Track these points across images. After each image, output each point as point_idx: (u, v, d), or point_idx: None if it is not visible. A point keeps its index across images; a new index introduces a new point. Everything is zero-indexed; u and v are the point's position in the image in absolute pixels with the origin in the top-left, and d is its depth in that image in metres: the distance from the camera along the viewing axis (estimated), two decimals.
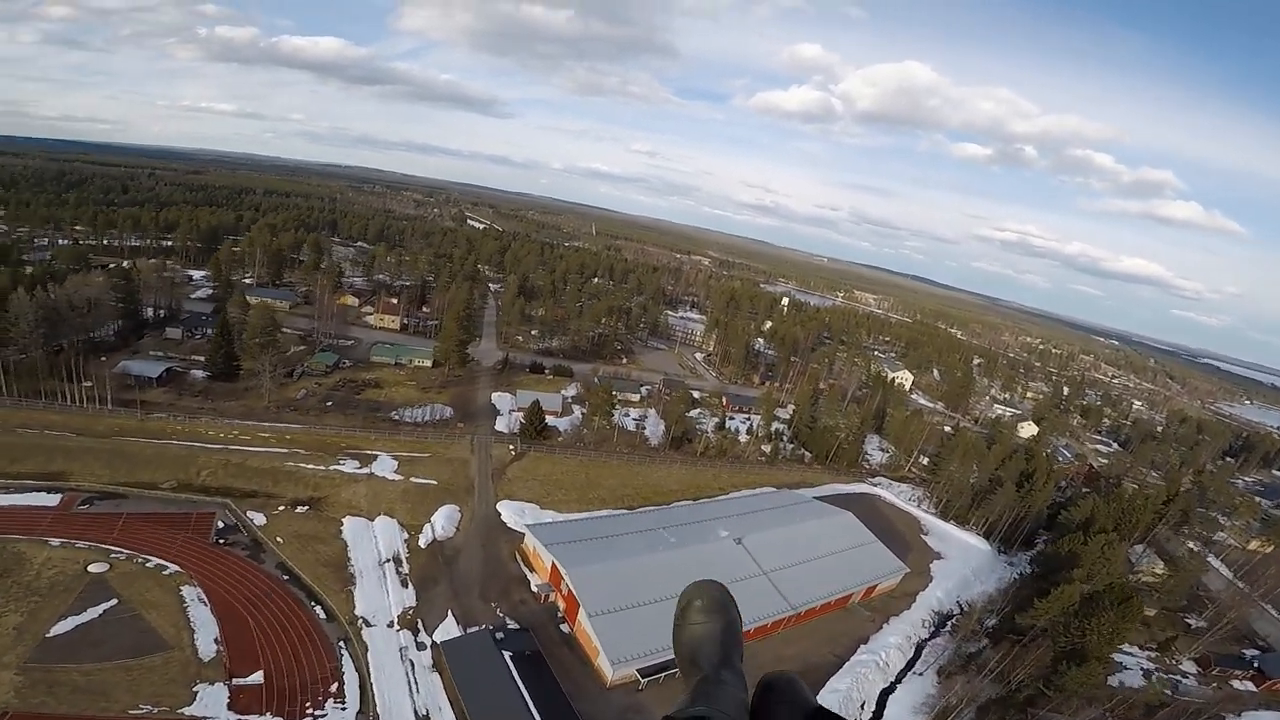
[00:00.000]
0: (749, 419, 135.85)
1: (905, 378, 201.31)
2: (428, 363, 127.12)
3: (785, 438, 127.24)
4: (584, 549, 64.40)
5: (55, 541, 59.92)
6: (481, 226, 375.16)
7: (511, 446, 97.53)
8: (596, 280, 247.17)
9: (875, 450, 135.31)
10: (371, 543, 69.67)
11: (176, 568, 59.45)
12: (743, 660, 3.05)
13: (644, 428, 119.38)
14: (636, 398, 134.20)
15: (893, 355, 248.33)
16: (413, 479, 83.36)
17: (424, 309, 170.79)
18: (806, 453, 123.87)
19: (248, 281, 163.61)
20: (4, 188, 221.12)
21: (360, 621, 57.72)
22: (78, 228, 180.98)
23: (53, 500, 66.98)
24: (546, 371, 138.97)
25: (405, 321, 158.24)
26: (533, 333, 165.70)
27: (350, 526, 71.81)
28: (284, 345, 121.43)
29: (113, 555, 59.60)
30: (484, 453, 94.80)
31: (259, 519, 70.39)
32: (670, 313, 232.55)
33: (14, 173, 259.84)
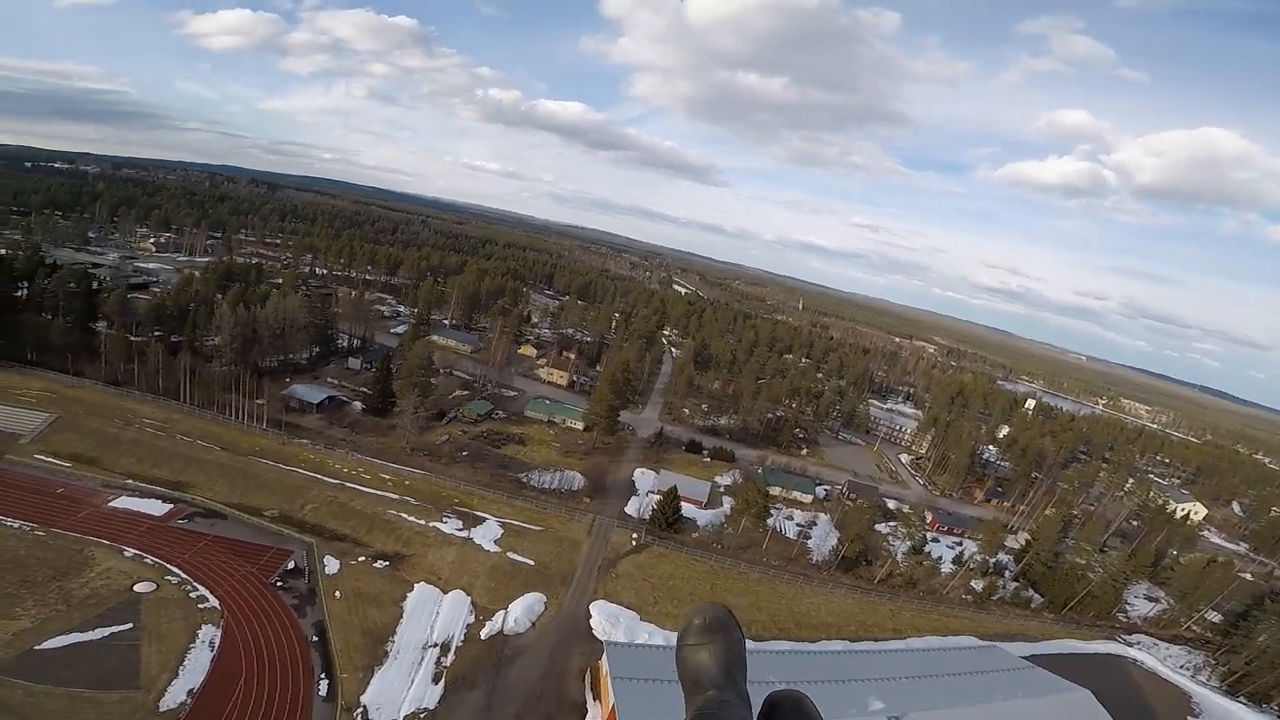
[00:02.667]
0: (960, 544, 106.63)
1: (1196, 511, 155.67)
2: (579, 425, 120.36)
3: (1008, 574, 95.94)
4: (659, 694, 46.87)
5: (129, 552, 60.13)
6: (684, 291, 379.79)
7: (634, 535, 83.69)
8: (789, 356, 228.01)
9: (1140, 599, 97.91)
10: (430, 619, 60.29)
11: (215, 603, 55.88)
12: (746, 680, 3.01)
13: (808, 537, 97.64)
14: (808, 499, 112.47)
15: (1175, 482, 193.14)
16: (510, 554, 73.51)
17: (597, 367, 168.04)
18: (1036, 595, 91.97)
19: (447, 322, 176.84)
20: (307, 222, 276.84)
21: (360, 712, 47.46)
22: (325, 259, 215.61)
23: (160, 510, 69.05)
24: (705, 452, 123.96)
25: (574, 378, 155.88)
26: (702, 407, 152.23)
27: (417, 595, 63.51)
28: (446, 388, 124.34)
29: (168, 577, 58.08)
30: (601, 537, 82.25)
31: (333, 566, 65.52)
32: (876, 403, 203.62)
33: (322, 212, 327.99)
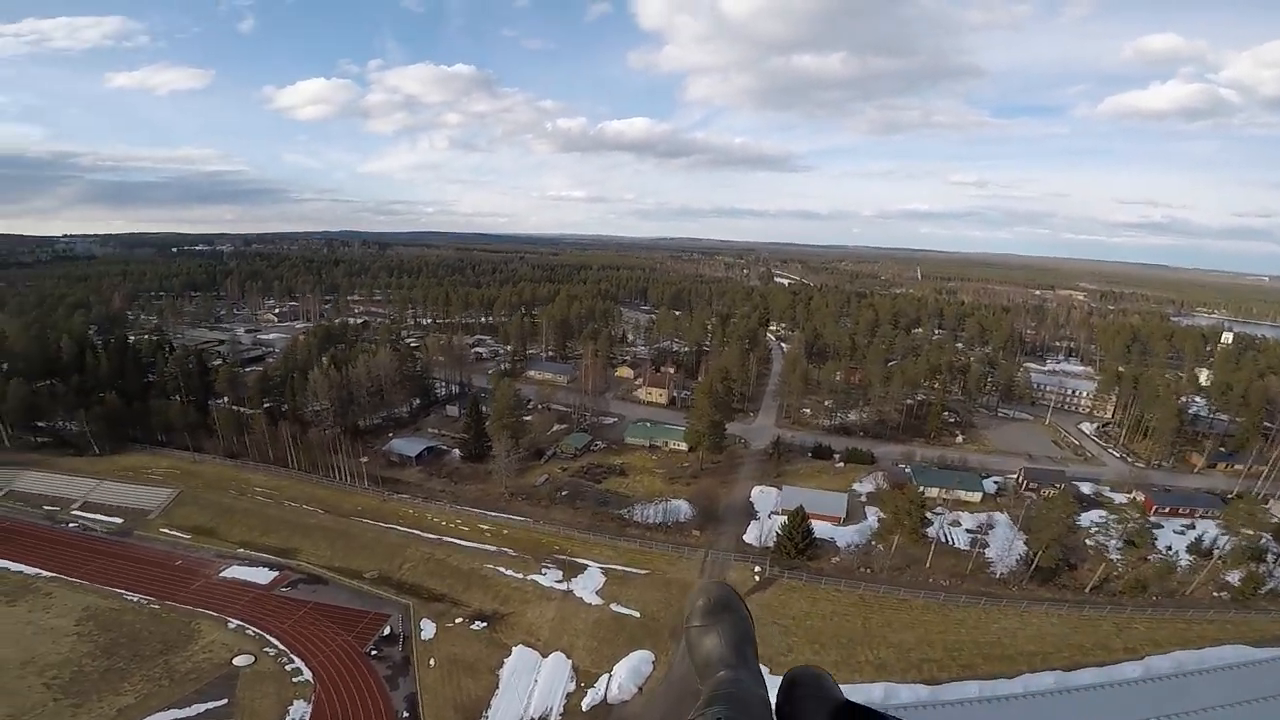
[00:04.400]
0: (1192, 527, 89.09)
1: None
2: (682, 446, 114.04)
3: (1274, 557, 77.77)
4: None
5: (233, 624, 61.97)
6: (788, 283, 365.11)
7: (757, 568, 75.99)
8: (918, 331, 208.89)
9: None
10: (527, 688, 56.54)
11: (308, 676, 55.98)
12: (757, 657, 3.05)
13: (985, 545, 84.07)
14: (975, 496, 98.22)
15: None
16: (613, 605, 68.62)
17: (698, 378, 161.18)
18: None
19: (543, 355, 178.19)
20: (412, 275, 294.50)
21: None
22: (426, 309, 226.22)
23: (266, 578, 71.19)
24: (836, 456, 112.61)
25: (675, 394, 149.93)
26: (824, 404, 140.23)
27: (515, 661, 60.08)
28: (542, 424, 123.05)
29: (266, 649, 59.06)
30: (716, 575, 75.33)
31: (429, 630, 63.90)
32: (1034, 366, 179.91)
33: (426, 263, 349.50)
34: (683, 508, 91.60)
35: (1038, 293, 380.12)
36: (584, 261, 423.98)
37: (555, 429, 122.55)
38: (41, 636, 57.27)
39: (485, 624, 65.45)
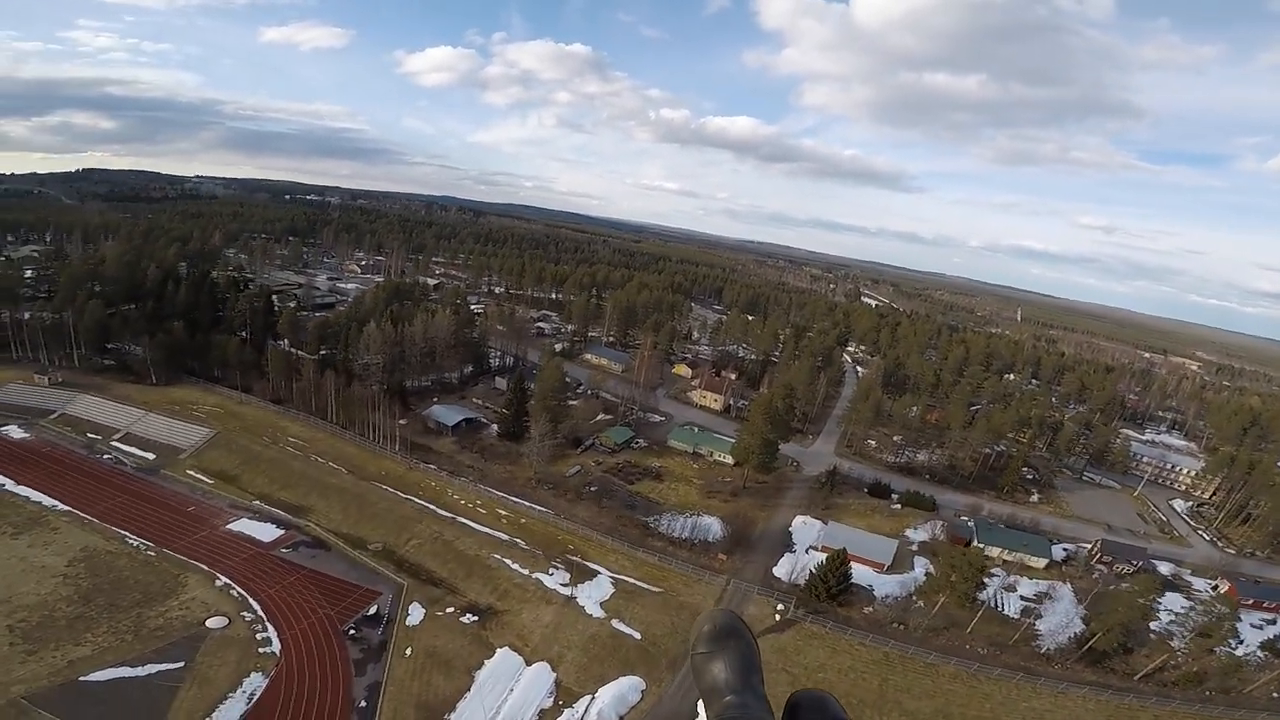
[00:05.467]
0: (1274, 624, 78.04)
1: None
2: (728, 459, 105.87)
3: None
4: None
5: (220, 581, 59.75)
6: (874, 304, 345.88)
7: (779, 607, 67.68)
8: (1011, 377, 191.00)
9: None
10: (500, 696, 51.60)
11: (277, 649, 52.43)
12: (763, 683, 3.01)
13: (1037, 615, 73.38)
14: (1040, 562, 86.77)
15: None
16: (615, 621, 62.20)
17: (760, 389, 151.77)
18: None
19: (606, 341, 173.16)
20: (498, 245, 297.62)
21: None
22: (502, 278, 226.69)
23: (270, 535, 68.94)
24: (893, 497, 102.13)
25: (731, 402, 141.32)
26: (893, 439, 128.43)
27: (497, 663, 55.10)
28: (587, 411, 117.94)
29: (244, 613, 56.30)
30: (733, 607, 67.23)
31: (416, 615, 59.91)
32: (1132, 434, 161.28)
33: (514, 235, 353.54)
34: (714, 526, 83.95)
35: (1147, 355, 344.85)
36: (664, 253, 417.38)
37: (599, 419, 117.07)
38: (29, 575, 56.33)
39: (476, 618, 60.56)
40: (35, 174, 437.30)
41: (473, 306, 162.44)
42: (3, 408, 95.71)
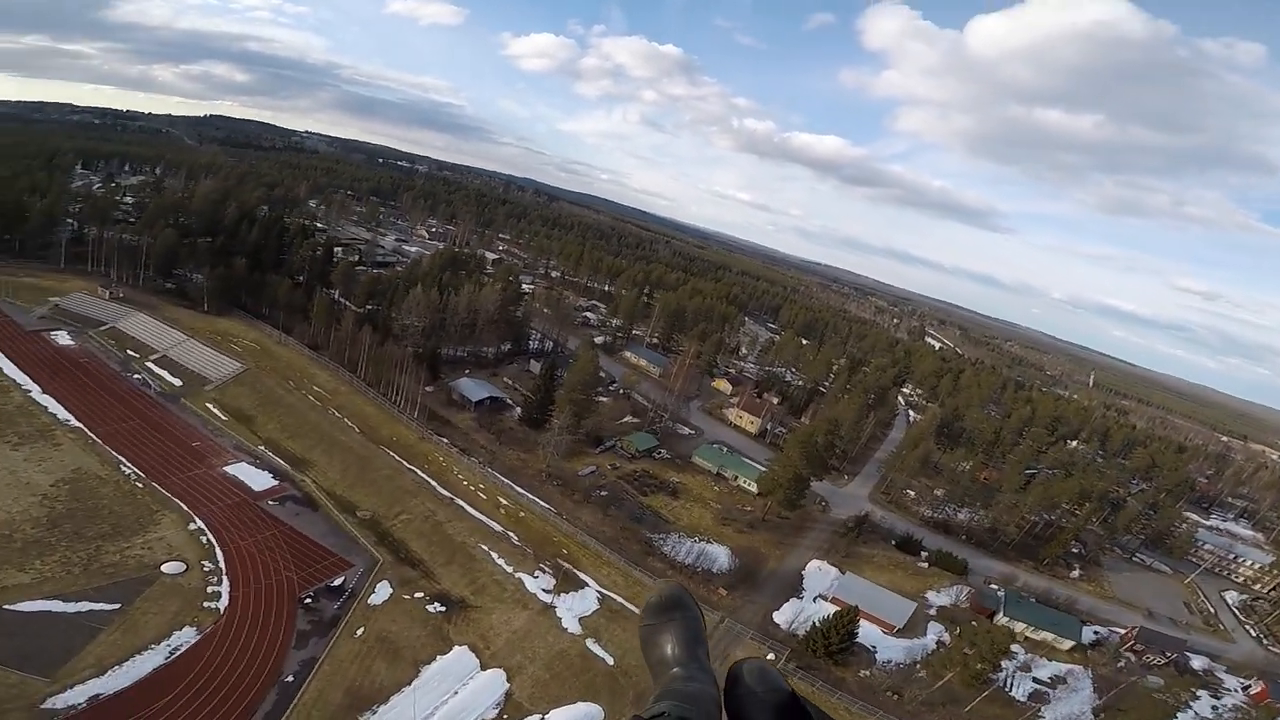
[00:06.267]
0: None
1: None
2: (752, 487, 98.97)
3: None
4: None
5: (195, 525, 57.61)
6: (938, 346, 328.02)
7: (770, 656, 61.02)
8: (1076, 445, 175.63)
9: None
10: (440, 698, 47.39)
11: (224, 605, 49.46)
12: (709, 656, 3.08)
13: (1046, 700, 64.56)
14: (1065, 644, 77.15)
15: None
16: (590, 641, 57.00)
17: (801, 419, 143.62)
18: None
19: (649, 342, 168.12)
20: (564, 230, 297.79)
21: None
22: (560, 263, 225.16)
23: (262, 485, 67.05)
24: (923, 555, 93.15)
25: (767, 427, 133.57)
26: (936, 492, 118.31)
27: (449, 661, 50.94)
28: (614, 411, 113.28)
29: (205, 562, 53.78)
30: (721, 648, 61.13)
31: (381, 595, 56.37)
32: (1196, 518, 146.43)
33: (580, 223, 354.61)
34: (722, 557, 77.65)
35: (1224, 439, 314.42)
36: (725, 262, 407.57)
37: (625, 420, 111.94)
38: (10, 490, 55.35)
39: (444, 609, 56.47)
40: (170, 115, 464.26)
41: (524, 285, 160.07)
42: (63, 314, 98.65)
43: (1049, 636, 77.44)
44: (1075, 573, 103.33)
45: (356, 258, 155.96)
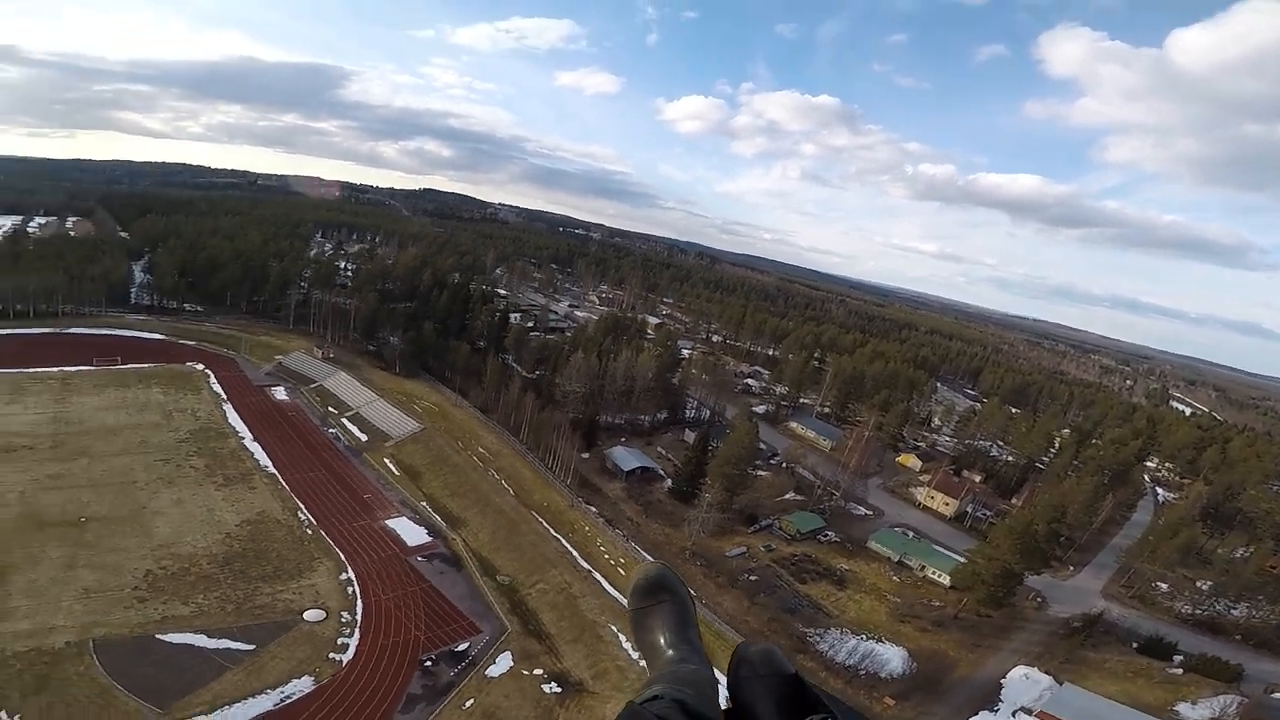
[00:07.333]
0: None
1: None
2: (944, 578, 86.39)
3: None
4: None
5: (345, 576, 62.07)
6: (1189, 411, 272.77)
7: None
8: None
9: None
10: None
11: (346, 659, 51.14)
12: (700, 636, 3.13)
13: None
14: None
15: None
16: None
17: (1012, 500, 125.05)
18: None
19: (818, 412, 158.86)
20: (726, 292, 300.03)
21: None
22: (721, 326, 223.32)
23: (416, 540, 71.23)
24: (1174, 658, 74.03)
25: (968, 510, 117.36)
26: (1200, 585, 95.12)
27: None
28: (773, 487, 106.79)
29: (344, 614, 57.01)
30: None
31: (501, 667, 55.73)
32: None
33: (744, 284, 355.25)
34: (894, 659, 67.41)
35: None
36: (911, 320, 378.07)
37: (787, 497, 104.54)
38: (203, 526, 63.83)
39: (559, 690, 54.22)
40: (391, 189, 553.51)
41: (682, 351, 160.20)
42: (284, 370, 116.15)
43: None
44: None
45: (531, 324, 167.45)
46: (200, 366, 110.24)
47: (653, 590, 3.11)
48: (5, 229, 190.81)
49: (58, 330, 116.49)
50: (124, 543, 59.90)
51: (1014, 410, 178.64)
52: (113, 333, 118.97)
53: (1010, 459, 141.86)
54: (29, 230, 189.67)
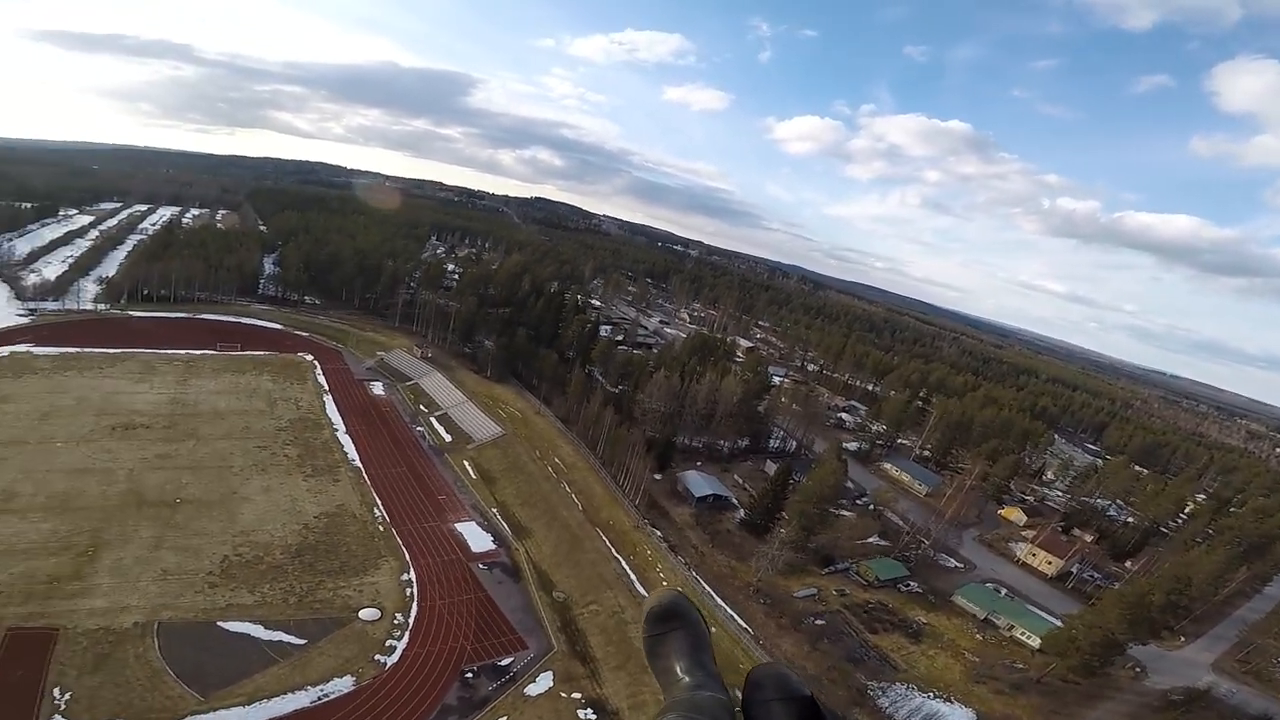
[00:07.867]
0: None
1: None
2: (1033, 640, 79.22)
3: None
4: None
5: (406, 576, 64.08)
6: None
7: None
8: None
9: None
10: None
11: (391, 662, 52.79)
12: (715, 661, 3.16)
13: None
14: None
15: None
16: None
17: (1126, 563, 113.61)
18: None
19: (916, 455, 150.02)
20: (828, 320, 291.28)
21: None
22: (819, 355, 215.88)
23: (481, 547, 73.31)
24: None
25: (1073, 570, 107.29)
26: None
27: None
28: (857, 529, 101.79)
29: (397, 615, 58.38)
30: None
31: (541, 685, 56.18)
32: None
33: (848, 313, 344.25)
34: None
35: None
36: (1031, 366, 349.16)
37: (869, 540, 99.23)
38: (284, 516, 67.84)
39: (595, 718, 53.62)
40: (506, 196, 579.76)
41: (773, 378, 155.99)
42: (384, 367, 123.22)
43: None
44: None
45: (620, 337, 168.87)
46: (309, 357, 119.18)
47: (666, 617, 3.14)
48: (165, 219, 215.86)
49: (191, 315, 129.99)
50: (210, 526, 64.62)
51: (1141, 470, 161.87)
52: (238, 320, 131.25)
53: (1130, 520, 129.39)
54: (183, 221, 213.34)
